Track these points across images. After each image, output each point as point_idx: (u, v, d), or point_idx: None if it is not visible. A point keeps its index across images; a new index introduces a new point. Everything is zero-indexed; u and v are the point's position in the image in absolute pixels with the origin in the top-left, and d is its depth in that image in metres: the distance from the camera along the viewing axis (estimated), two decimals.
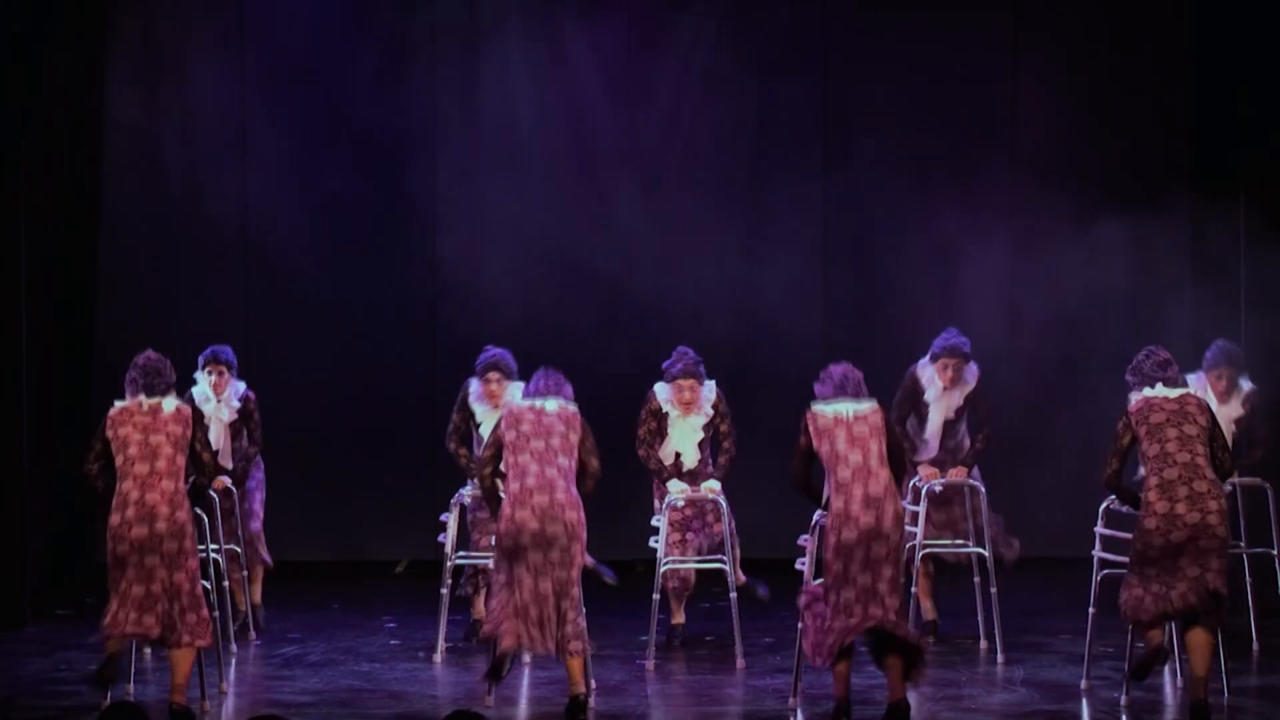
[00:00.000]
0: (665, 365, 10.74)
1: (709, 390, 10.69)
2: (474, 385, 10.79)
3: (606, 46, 13.76)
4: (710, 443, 10.76)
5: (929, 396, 10.83)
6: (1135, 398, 8.90)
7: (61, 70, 12.04)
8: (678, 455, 10.70)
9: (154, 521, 8.64)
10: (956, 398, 10.82)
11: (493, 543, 9.25)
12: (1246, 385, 10.64)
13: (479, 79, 13.79)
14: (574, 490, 8.90)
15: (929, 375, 10.81)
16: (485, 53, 13.75)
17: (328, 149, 13.70)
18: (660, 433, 10.70)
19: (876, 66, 13.86)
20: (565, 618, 8.81)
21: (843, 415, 8.77)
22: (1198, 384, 10.23)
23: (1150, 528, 8.66)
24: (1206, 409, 8.82)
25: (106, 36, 12.85)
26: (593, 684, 9.24)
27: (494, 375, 10.67)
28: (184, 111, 13.51)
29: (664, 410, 10.69)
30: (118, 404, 8.87)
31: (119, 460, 8.73)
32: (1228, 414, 10.46)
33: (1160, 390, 8.85)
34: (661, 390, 10.72)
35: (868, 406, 8.81)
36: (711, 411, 10.67)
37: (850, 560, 8.61)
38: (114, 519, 8.69)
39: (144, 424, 8.78)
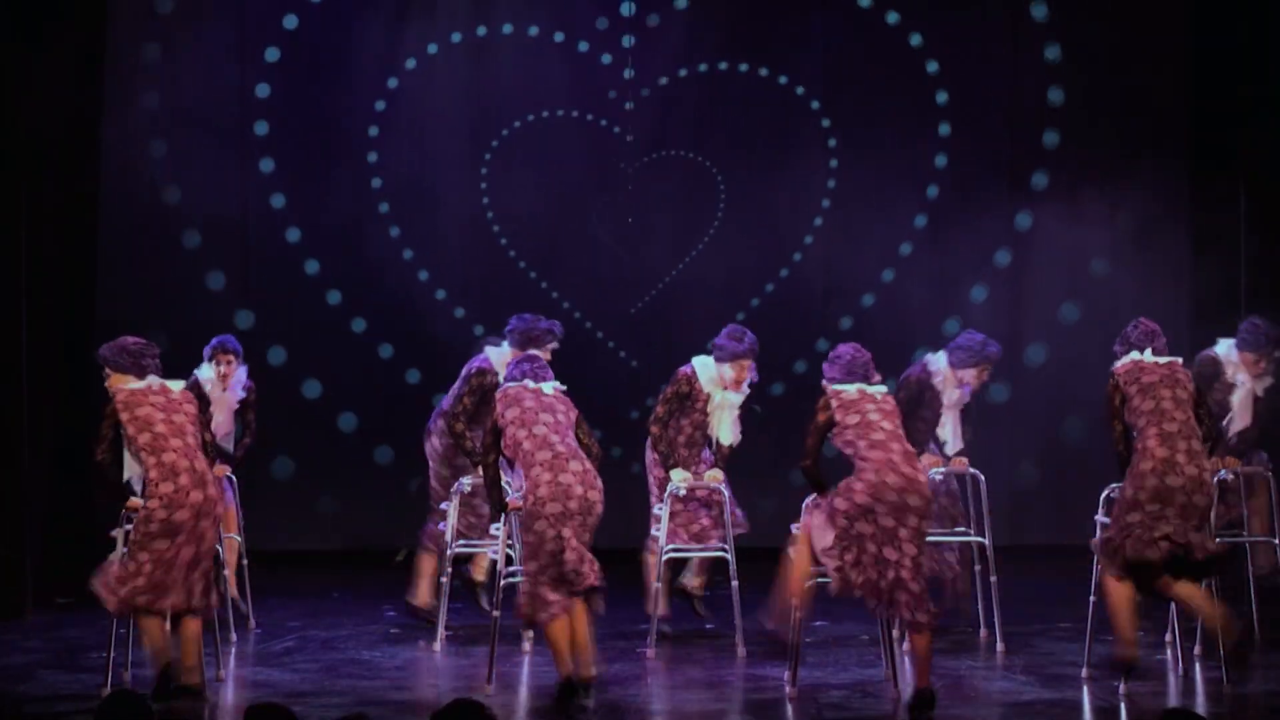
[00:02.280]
0: (722, 342, 10.41)
1: (752, 371, 10.57)
2: (497, 355, 10.60)
3: (601, 29, 13.77)
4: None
5: (948, 400, 10.67)
6: (1120, 362, 9.00)
7: (60, 69, 12.04)
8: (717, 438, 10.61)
9: (206, 487, 8.76)
10: (967, 396, 10.75)
11: (493, 522, 9.53)
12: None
13: (477, 68, 13.79)
14: (588, 464, 8.87)
15: (951, 379, 10.61)
16: (482, 42, 13.77)
17: (327, 143, 13.71)
18: (682, 413, 10.54)
19: (875, 49, 13.86)
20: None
21: (869, 392, 8.90)
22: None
23: (1146, 469, 8.75)
24: (1190, 376, 8.96)
25: (105, 34, 12.83)
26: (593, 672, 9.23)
27: (552, 344, 10.55)
28: (183, 109, 13.53)
29: (704, 391, 10.54)
30: (122, 387, 8.89)
31: (145, 438, 8.76)
32: None
33: (1148, 355, 8.98)
34: (705, 368, 10.53)
35: (883, 390, 8.96)
36: (748, 390, 10.56)
37: (875, 518, 8.64)
38: (167, 487, 8.69)
39: (161, 404, 8.88)
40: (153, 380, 8.94)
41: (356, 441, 13.79)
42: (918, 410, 10.64)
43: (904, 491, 8.61)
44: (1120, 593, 8.81)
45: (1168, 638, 10.00)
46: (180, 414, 8.88)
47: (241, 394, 11.00)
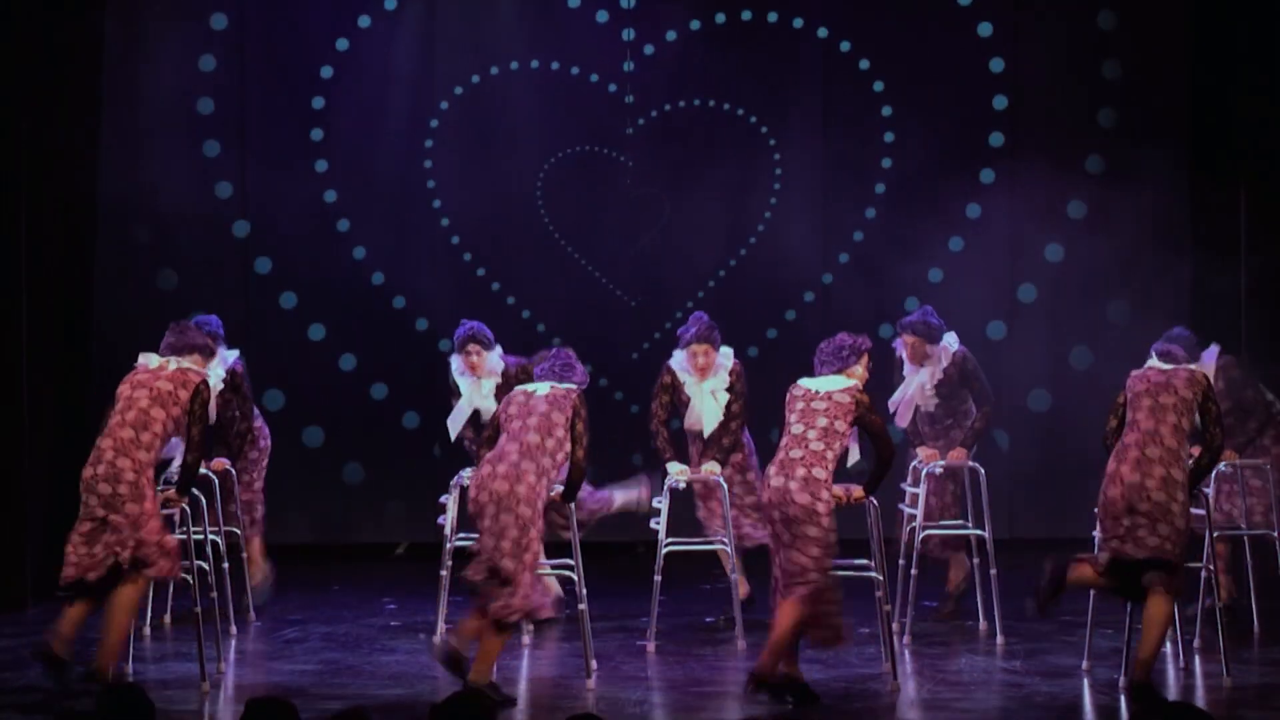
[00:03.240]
0: (680, 331, 10.69)
1: (724, 358, 10.62)
2: (455, 362, 10.85)
3: (600, 18, 13.74)
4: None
5: (905, 370, 10.83)
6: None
7: (58, 69, 12.05)
8: (699, 428, 10.64)
9: (97, 465, 8.71)
10: (925, 377, 10.78)
11: None
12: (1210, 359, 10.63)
13: (474, 62, 13.78)
14: (525, 466, 8.76)
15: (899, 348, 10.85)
16: (480, 36, 13.76)
17: (325, 140, 13.69)
18: (676, 405, 10.67)
19: (876, 35, 13.84)
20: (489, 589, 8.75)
21: (811, 390, 8.85)
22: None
23: (1102, 488, 8.77)
24: (1198, 384, 8.81)
25: (103, 34, 12.82)
26: (594, 664, 9.23)
27: (473, 347, 10.75)
28: (183, 108, 13.53)
29: (680, 380, 10.63)
30: None
31: None
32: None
33: (1155, 362, 8.96)
34: (677, 359, 10.67)
35: (839, 385, 8.81)
36: (729, 379, 10.59)
37: (772, 523, 8.71)
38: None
39: (139, 380, 8.86)
40: (148, 358, 8.94)
41: (361, 439, 13.78)
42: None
43: (776, 507, 8.67)
44: (1081, 570, 8.80)
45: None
46: (145, 389, 8.80)
47: (223, 374, 10.77)
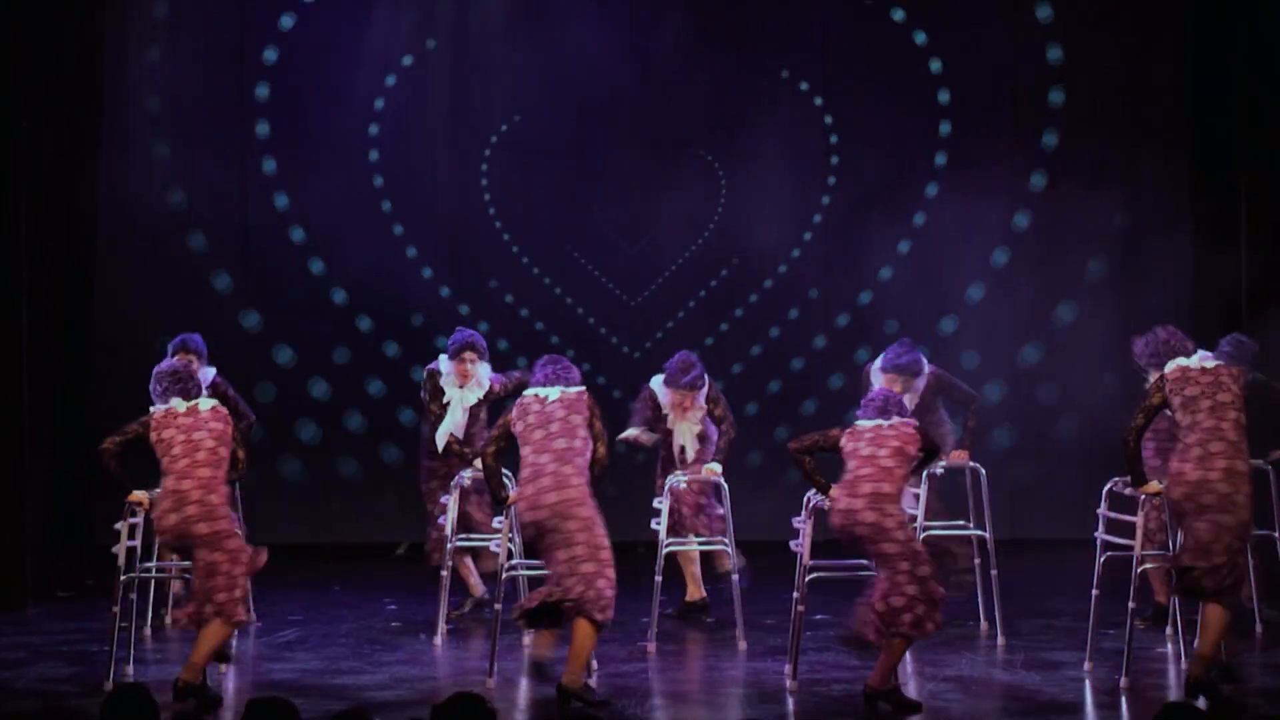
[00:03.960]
0: (667, 367, 10.72)
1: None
2: (446, 366, 10.79)
3: (600, 14, 13.73)
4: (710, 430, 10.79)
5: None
6: (1170, 366, 8.97)
7: (58, 72, 12.06)
8: (682, 449, 10.72)
9: (184, 506, 8.76)
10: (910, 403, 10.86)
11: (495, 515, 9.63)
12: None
13: (480, 62, 13.78)
14: (566, 470, 8.83)
15: (879, 382, 10.82)
16: (481, 34, 13.76)
17: (328, 142, 13.68)
18: (659, 421, 10.76)
19: (875, 28, 13.83)
20: (571, 590, 8.76)
21: (870, 425, 8.86)
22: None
23: (1171, 489, 8.80)
24: (1240, 378, 8.90)
25: (103, 37, 12.81)
26: (594, 664, 9.23)
27: (469, 355, 10.71)
28: (183, 110, 13.52)
29: (663, 411, 10.74)
30: (156, 409, 8.98)
31: (165, 462, 8.88)
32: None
33: (1195, 360, 8.96)
34: (661, 391, 10.72)
35: (895, 421, 8.83)
36: (705, 405, 10.69)
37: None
38: (155, 513, 8.89)
39: (186, 424, 8.93)
40: (176, 403, 8.98)
41: (361, 438, 13.78)
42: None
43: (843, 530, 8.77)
44: (1217, 614, 8.75)
45: (1168, 631, 10.02)
46: (203, 430, 8.91)
47: (206, 391, 10.78)
